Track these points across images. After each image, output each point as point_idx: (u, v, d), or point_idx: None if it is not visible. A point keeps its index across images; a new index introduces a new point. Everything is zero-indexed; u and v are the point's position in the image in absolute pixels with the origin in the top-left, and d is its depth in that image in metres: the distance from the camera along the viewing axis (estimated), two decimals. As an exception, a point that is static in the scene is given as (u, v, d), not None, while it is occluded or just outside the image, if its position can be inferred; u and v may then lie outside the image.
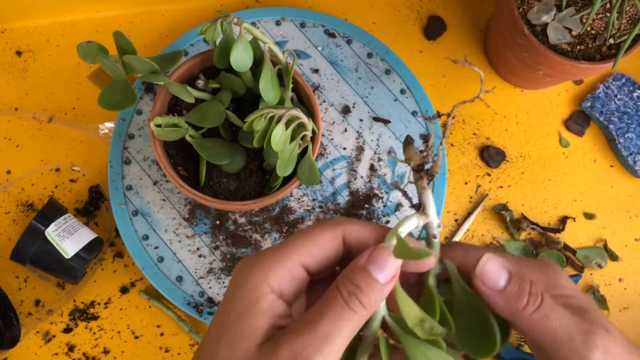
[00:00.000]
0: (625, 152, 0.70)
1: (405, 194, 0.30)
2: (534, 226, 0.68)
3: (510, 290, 0.28)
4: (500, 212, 0.68)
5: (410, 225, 0.29)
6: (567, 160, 0.72)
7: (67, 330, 0.61)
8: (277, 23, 0.69)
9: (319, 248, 0.28)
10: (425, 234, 0.30)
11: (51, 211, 0.60)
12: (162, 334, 0.62)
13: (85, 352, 0.61)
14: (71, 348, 0.61)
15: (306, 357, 0.25)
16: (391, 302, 0.28)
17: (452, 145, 0.70)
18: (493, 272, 0.28)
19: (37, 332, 0.61)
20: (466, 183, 0.69)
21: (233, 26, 0.52)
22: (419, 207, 0.29)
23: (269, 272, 0.27)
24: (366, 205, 0.64)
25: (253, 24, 0.68)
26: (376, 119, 0.67)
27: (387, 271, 0.26)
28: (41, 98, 0.67)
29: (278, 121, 0.50)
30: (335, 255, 0.29)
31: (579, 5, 0.61)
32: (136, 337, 0.62)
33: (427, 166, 0.29)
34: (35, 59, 0.68)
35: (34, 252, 0.58)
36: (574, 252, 0.68)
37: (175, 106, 0.58)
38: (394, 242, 0.27)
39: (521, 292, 0.28)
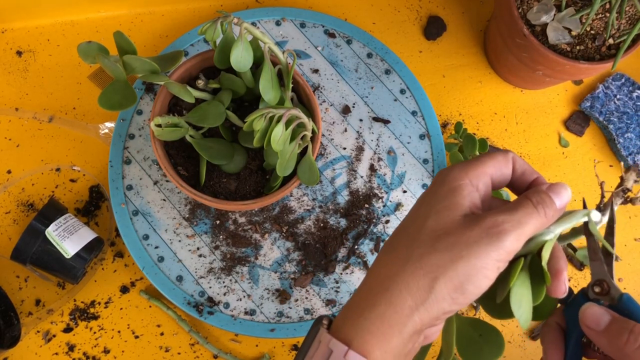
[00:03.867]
0: (625, 152, 0.70)
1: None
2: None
3: (611, 330, 0.33)
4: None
5: (595, 215, 0.36)
6: (567, 160, 0.72)
7: (68, 329, 0.61)
8: (277, 23, 0.69)
9: (500, 166, 0.36)
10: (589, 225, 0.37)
11: (51, 211, 0.60)
12: (162, 334, 0.62)
13: (85, 352, 0.61)
14: (71, 347, 0.61)
15: (504, 229, 0.32)
16: None
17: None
18: (595, 315, 0.34)
19: (38, 331, 0.61)
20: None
21: (233, 26, 0.52)
22: (600, 209, 0.37)
23: (469, 172, 0.34)
24: (366, 205, 0.64)
25: (253, 24, 0.69)
26: (376, 119, 0.67)
27: (562, 199, 0.34)
28: (42, 98, 0.67)
29: (278, 121, 0.50)
30: (507, 176, 0.36)
31: (578, 6, 0.61)
32: (136, 337, 0.62)
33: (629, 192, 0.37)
34: (35, 59, 0.69)
35: (34, 251, 0.58)
36: (574, 250, 0.68)
37: (175, 106, 0.58)
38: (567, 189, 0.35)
39: (622, 330, 0.33)
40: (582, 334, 0.36)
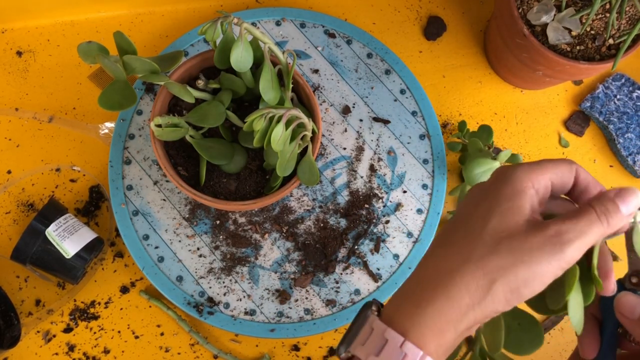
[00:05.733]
0: (625, 152, 0.70)
1: None
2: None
3: None
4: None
5: None
6: (567, 161, 0.72)
7: (68, 330, 0.61)
8: (277, 23, 0.69)
9: (562, 174, 0.35)
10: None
11: (51, 211, 0.60)
12: (162, 334, 0.62)
13: (85, 352, 0.61)
14: (71, 348, 0.61)
15: (567, 239, 0.32)
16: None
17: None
18: (630, 303, 0.35)
19: (38, 331, 0.61)
20: (466, 183, 0.70)
21: (233, 26, 0.52)
22: None
23: (532, 175, 0.34)
24: (366, 205, 0.64)
25: (253, 24, 0.69)
26: (376, 119, 0.67)
27: (629, 207, 0.34)
28: (42, 98, 0.67)
29: (278, 121, 0.50)
30: (567, 184, 0.36)
31: (578, 6, 0.61)
32: (136, 337, 0.62)
33: None
34: (35, 59, 0.69)
35: (34, 251, 0.58)
36: None
37: (175, 106, 0.58)
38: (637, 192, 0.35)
39: None
40: (617, 324, 0.36)
